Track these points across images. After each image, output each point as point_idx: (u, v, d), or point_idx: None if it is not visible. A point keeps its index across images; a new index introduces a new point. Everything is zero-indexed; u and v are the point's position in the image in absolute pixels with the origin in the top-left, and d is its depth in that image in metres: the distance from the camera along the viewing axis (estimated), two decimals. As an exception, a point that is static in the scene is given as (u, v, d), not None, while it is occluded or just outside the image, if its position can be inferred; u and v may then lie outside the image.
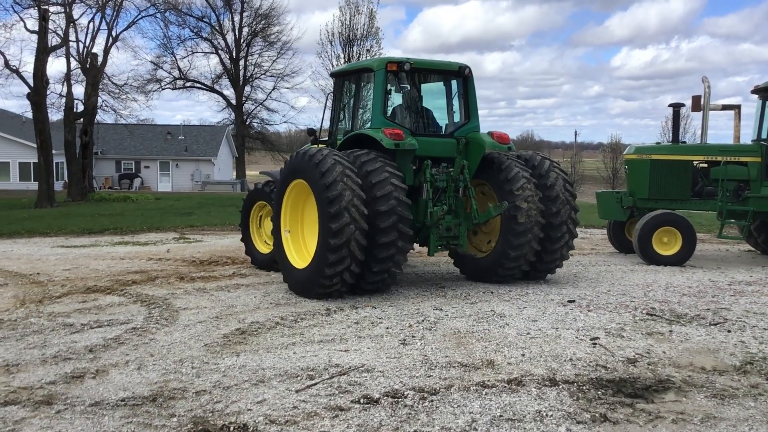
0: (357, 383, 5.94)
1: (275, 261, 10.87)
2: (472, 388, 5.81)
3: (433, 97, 11.09)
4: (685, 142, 15.77)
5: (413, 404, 5.43)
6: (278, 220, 10.15)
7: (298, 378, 6.08)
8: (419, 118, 10.82)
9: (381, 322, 8.18)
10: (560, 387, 5.88)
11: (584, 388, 5.86)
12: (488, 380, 6.00)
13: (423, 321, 8.23)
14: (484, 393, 5.70)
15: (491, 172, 10.42)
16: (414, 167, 10.19)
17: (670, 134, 15.97)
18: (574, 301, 9.46)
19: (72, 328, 7.91)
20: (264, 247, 12.24)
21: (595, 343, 7.27)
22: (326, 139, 11.44)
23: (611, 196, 14.59)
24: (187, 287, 10.38)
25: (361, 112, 10.65)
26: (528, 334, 7.66)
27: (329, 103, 11.70)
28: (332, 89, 11.40)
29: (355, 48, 35.49)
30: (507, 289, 10.26)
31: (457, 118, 10.91)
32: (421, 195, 10.02)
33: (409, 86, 10.83)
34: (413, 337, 7.50)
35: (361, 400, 5.51)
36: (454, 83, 10.93)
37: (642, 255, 13.17)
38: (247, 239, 12.53)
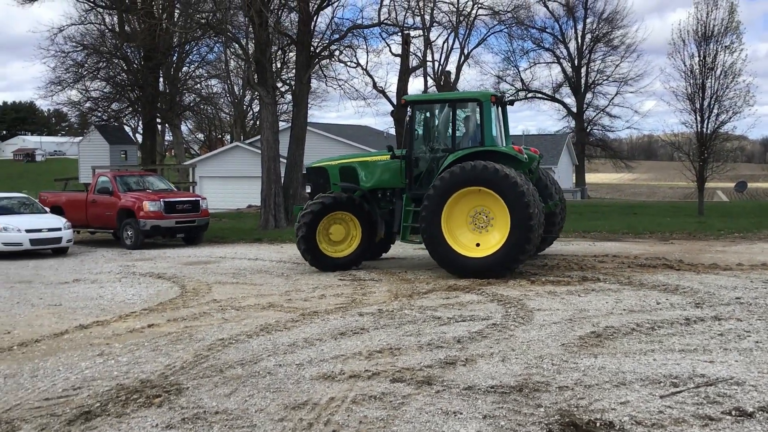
0: (726, 395, 5.69)
1: (353, 261, 13.42)
2: None
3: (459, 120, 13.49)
4: None
5: (795, 423, 5.05)
6: (439, 219, 11.98)
7: (661, 384, 6.01)
8: (501, 136, 13.42)
9: (749, 336, 7.64)
10: None
11: None
12: None
13: (800, 338, 7.48)
14: None
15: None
16: None
17: None
18: None
19: (440, 320, 8.77)
20: (333, 252, 13.41)
21: None
22: (405, 153, 13.09)
23: None
24: (537, 290, 10.76)
25: (462, 133, 13.09)
26: None
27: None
28: (410, 114, 13.26)
29: (711, 45, 32.79)
30: None
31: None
32: None
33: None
34: (789, 354, 6.89)
35: (733, 412, 5.28)
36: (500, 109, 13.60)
37: None
38: (315, 248, 13.22)
